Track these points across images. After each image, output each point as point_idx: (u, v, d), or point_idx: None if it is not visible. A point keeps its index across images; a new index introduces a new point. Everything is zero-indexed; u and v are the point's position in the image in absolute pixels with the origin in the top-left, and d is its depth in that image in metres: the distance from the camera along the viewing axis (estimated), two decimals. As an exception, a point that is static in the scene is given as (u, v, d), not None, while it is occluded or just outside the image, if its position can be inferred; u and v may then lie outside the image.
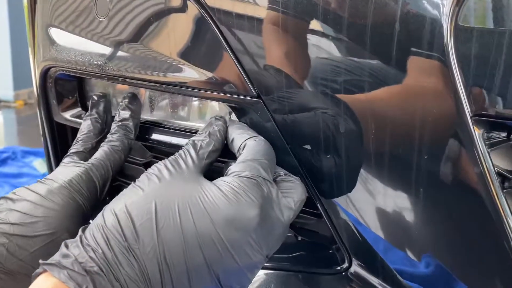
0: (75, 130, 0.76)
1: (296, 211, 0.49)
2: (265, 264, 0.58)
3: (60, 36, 0.69)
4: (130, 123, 0.64)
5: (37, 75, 0.78)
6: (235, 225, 0.43)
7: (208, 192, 0.44)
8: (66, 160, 0.62)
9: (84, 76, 0.73)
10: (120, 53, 0.62)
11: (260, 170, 0.46)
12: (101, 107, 0.68)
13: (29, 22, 0.79)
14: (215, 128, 0.53)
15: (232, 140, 0.52)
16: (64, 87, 0.76)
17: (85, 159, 0.62)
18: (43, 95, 0.80)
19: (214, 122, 0.54)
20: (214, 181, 0.47)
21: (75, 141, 0.65)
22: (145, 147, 0.70)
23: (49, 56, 0.72)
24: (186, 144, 0.51)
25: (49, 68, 0.74)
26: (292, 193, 0.49)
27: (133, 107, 0.65)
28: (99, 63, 0.64)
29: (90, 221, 0.48)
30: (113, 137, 0.62)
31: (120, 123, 0.64)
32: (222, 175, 0.48)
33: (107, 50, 0.63)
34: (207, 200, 0.44)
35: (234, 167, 0.47)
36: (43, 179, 0.57)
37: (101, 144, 0.63)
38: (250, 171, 0.46)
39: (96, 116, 0.67)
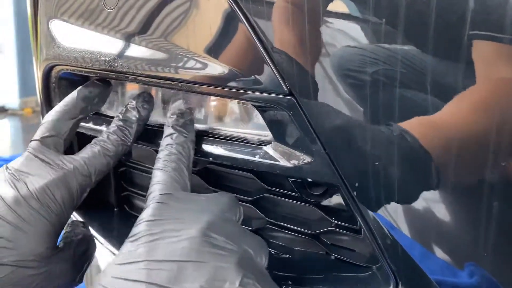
0: (80, 136, 0.70)
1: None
2: (296, 287, 0.51)
3: (64, 30, 0.63)
4: (133, 129, 0.56)
5: (40, 76, 0.72)
6: None
7: None
8: (35, 146, 0.52)
9: (90, 75, 0.66)
10: (130, 48, 0.56)
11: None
12: (97, 90, 0.60)
13: (31, 18, 0.72)
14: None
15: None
16: (69, 88, 0.70)
17: (58, 144, 0.53)
18: (46, 97, 0.73)
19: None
20: None
21: (52, 110, 0.56)
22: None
23: (52, 53, 0.65)
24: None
25: (52, 67, 0.68)
26: None
27: (143, 111, 0.57)
28: (107, 59, 0.58)
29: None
30: (109, 139, 0.54)
31: (121, 123, 0.56)
32: None
33: (116, 45, 0.57)
34: None
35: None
36: (13, 172, 0.49)
37: (93, 141, 0.54)
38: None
39: (87, 93, 0.59)
